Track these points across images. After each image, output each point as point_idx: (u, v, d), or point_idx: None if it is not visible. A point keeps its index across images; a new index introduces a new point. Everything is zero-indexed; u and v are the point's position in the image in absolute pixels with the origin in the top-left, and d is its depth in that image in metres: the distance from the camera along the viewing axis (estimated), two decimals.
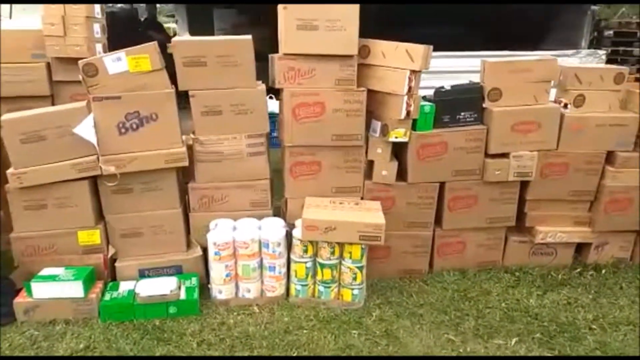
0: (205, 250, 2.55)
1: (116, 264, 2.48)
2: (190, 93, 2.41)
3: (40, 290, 2.23)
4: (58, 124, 2.26)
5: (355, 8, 2.35)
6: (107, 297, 2.30)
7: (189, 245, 2.60)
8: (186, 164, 2.44)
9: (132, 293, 2.33)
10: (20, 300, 2.25)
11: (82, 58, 2.92)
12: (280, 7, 2.35)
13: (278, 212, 2.70)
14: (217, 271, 2.38)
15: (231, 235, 2.37)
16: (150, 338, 2.15)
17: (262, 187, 2.57)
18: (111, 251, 2.48)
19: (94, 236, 2.42)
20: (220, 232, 2.39)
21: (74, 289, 2.24)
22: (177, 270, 2.52)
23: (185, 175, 2.61)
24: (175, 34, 9.44)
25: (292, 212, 2.59)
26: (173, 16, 10.87)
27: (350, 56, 2.41)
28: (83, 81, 2.25)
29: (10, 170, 2.25)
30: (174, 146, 2.41)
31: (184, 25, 10.07)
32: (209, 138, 2.47)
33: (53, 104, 3.04)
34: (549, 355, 2.14)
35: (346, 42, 2.37)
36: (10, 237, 2.36)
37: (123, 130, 2.33)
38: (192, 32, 9.94)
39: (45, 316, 2.26)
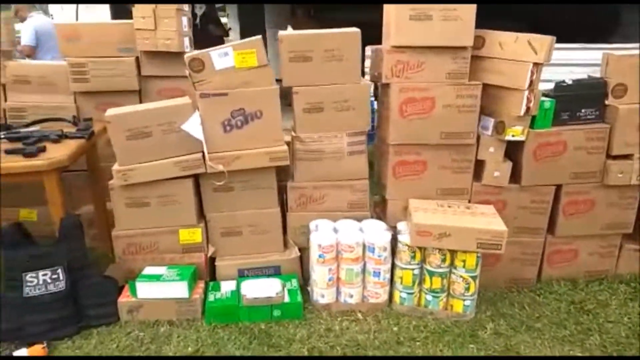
0: (301, 250, 2.48)
1: (216, 263, 2.42)
2: (293, 89, 2.31)
3: (145, 290, 2.20)
4: (163, 121, 2.20)
5: None
6: (211, 298, 2.25)
7: (285, 245, 2.52)
8: (288, 162, 2.35)
9: (235, 294, 2.27)
10: (125, 299, 2.22)
11: (172, 52, 2.90)
12: None
13: None
14: (320, 274, 2.29)
15: (335, 238, 2.27)
16: (259, 343, 2.08)
17: (360, 187, 2.45)
18: (210, 250, 2.43)
19: (195, 235, 2.37)
20: (324, 233, 2.29)
21: (179, 290, 2.20)
22: (275, 271, 2.45)
23: (278, 173, 2.52)
24: (230, 28, 9.45)
25: (392, 214, 2.46)
26: (224, 10, 10.90)
27: (464, 48, 2.24)
28: (189, 76, 2.19)
29: (115, 167, 2.22)
30: (277, 144, 2.32)
31: (235, 19, 10.08)
32: (310, 136, 2.37)
33: (140, 99, 3.04)
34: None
35: (462, 33, 2.20)
36: (112, 234, 2.35)
37: (228, 128, 2.25)
38: (243, 26, 9.93)
39: (148, 316, 2.23)
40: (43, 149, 2.18)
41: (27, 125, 2.68)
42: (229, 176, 2.31)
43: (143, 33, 2.83)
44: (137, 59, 2.93)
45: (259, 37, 2.19)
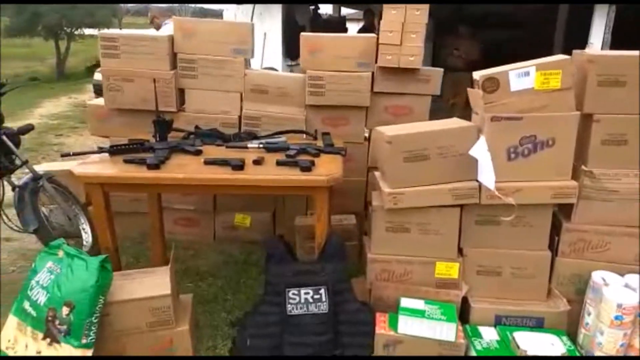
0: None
1: (473, 305, 2.17)
2: (594, 117, 1.99)
3: (407, 325, 2.02)
4: (443, 144, 2.02)
5: None
6: (478, 346, 2.00)
7: (548, 294, 2.20)
8: (574, 200, 2.04)
9: (503, 346, 2.00)
10: (383, 332, 2.06)
11: (406, 69, 2.77)
12: None
13: None
14: (612, 338, 1.92)
15: (636, 297, 1.89)
16: None
17: None
18: (464, 288, 2.19)
19: (452, 269, 2.15)
20: (624, 291, 1.93)
21: (445, 331, 1.98)
22: (537, 323, 2.13)
23: None
24: None
25: None
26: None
27: None
28: (481, 97, 1.98)
29: (387, 189, 2.08)
30: (563, 178, 2.02)
31: None
32: (605, 172, 2.03)
33: (366, 116, 2.95)
34: None
35: None
36: (368, 257, 2.21)
37: (513, 156, 2.00)
38: None
39: (404, 354, 2.04)
40: (313, 163, 2.13)
41: (272, 135, 2.70)
42: (497, 209, 2.06)
43: (387, 48, 2.73)
44: (372, 74, 2.85)
45: (568, 57, 1.92)
